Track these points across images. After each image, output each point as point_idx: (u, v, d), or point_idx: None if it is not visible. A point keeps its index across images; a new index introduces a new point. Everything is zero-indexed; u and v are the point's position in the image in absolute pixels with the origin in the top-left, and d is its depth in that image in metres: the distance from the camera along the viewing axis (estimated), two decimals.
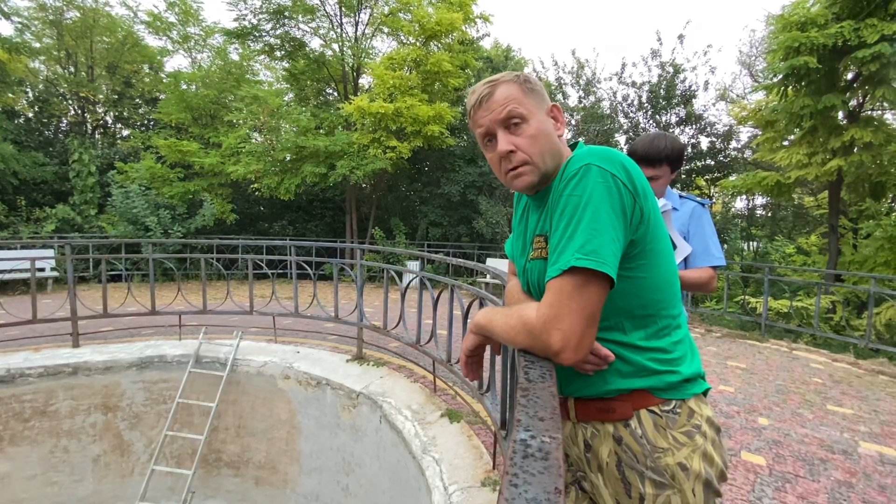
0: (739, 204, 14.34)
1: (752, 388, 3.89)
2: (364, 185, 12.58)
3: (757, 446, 2.81)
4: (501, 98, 0.91)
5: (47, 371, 4.04)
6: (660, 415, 0.86)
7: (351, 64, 12.06)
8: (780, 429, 3.07)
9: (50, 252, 8.84)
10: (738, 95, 13.35)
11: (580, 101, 11.73)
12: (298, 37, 12.29)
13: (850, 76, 6.43)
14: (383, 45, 13.88)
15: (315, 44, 12.69)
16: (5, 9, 10.94)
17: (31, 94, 14.12)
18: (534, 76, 0.97)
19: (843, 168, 6.24)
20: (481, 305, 2.56)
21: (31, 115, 13.96)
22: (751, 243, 12.51)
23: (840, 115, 6.63)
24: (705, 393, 0.92)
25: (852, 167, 6.21)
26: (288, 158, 11.17)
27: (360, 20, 12.13)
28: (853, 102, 6.60)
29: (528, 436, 0.52)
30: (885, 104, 6.90)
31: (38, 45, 13.04)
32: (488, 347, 1.07)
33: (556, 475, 0.45)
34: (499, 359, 2.34)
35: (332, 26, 12.15)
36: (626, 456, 0.87)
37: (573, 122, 11.59)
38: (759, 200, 13.50)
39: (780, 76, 6.60)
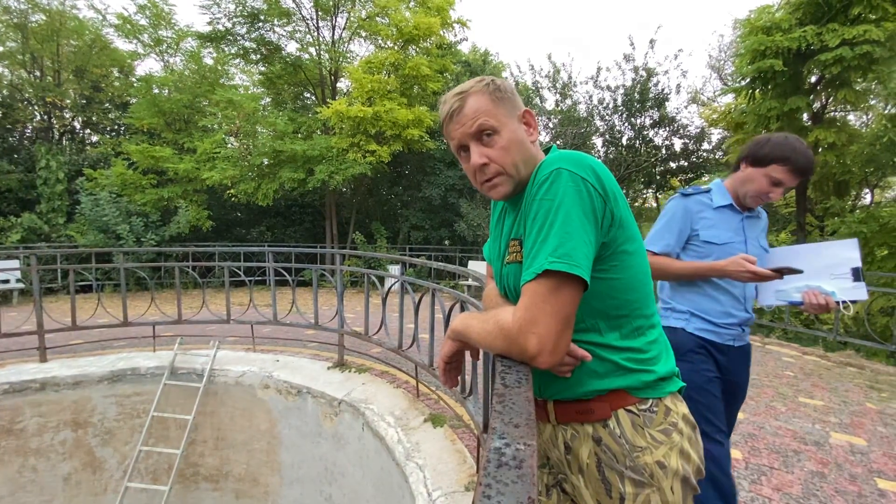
0: None
1: None
2: (344, 190, 12.48)
3: (733, 440, 2.87)
4: (471, 111, 0.91)
5: (13, 387, 3.87)
6: (637, 414, 0.87)
7: (328, 68, 11.98)
8: (754, 422, 3.15)
9: (15, 263, 8.49)
10: (708, 98, 13.74)
11: (557, 105, 11.90)
12: (274, 41, 12.14)
13: (813, 79, 6.68)
14: (361, 49, 13.82)
15: (291, 48, 12.55)
16: None
17: None
18: (505, 81, 0.96)
19: None
20: (462, 309, 2.56)
21: None
22: None
23: (805, 116, 6.88)
24: (680, 391, 0.94)
25: (817, 167, 6.45)
26: (265, 163, 11.01)
27: (336, 24, 12.06)
28: (817, 104, 6.86)
29: (503, 444, 0.52)
30: (847, 106, 7.20)
31: (0, 48, 12.56)
32: (468, 352, 1.07)
33: (530, 484, 0.44)
34: (481, 362, 2.34)
35: (309, 30, 12.04)
36: (605, 456, 0.88)
37: (550, 125, 11.75)
38: None
39: (748, 79, 6.82)
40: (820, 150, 6.57)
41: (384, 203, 14.74)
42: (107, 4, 17.61)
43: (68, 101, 14.26)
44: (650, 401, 0.88)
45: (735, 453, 2.70)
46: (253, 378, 4.15)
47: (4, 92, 13.50)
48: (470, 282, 9.04)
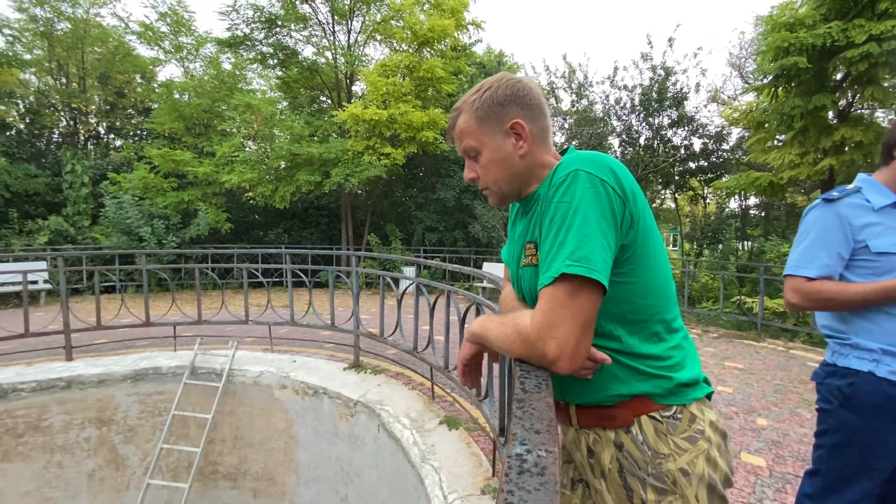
0: (733, 204, 14.43)
1: (750, 388, 3.89)
2: (359, 192, 12.58)
3: (756, 447, 2.80)
4: (459, 132, 0.98)
5: (40, 385, 3.99)
6: (660, 421, 0.86)
7: (344, 71, 12.09)
8: (779, 429, 3.07)
9: (42, 264, 8.76)
10: (728, 97, 13.47)
11: (573, 105, 11.81)
12: (291, 45, 12.30)
13: (839, 76, 6.50)
14: (376, 53, 13.96)
15: (308, 52, 12.73)
16: None
17: (21, 106, 14.03)
18: (496, 91, 0.93)
19: (835, 167, 6.30)
20: (478, 311, 2.55)
21: (22, 126, 13.88)
22: (745, 243, 12.58)
23: (830, 114, 6.69)
24: (709, 397, 0.92)
25: (844, 166, 6.27)
26: (282, 166, 11.15)
27: (352, 28, 12.16)
28: (843, 102, 6.67)
29: (524, 450, 0.51)
30: (875, 103, 6.98)
31: (28, 56, 12.99)
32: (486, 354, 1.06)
33: (553, 491, 0.43)
34: (496, 365, 2.33)
35: (325, 34, 12.18)
36: (627, 462, 0.87)
37: (566, 125, 11.66)
38: (753, 200, 13.59)
39: (770, 77, 6.67)
40: (847, 149, 6.38)
41: (399, 205, 14.80)
42: (129, 12, 18.12)
43: (93, 107, 14.68)
44: (674, 407, 0.86)
45: (759, 461, 2.63)
46: (270, 378, 4.20)
47: (32, 98, 13.97)
48: (484, 283, 9.02)
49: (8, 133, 12.76)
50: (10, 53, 11.27)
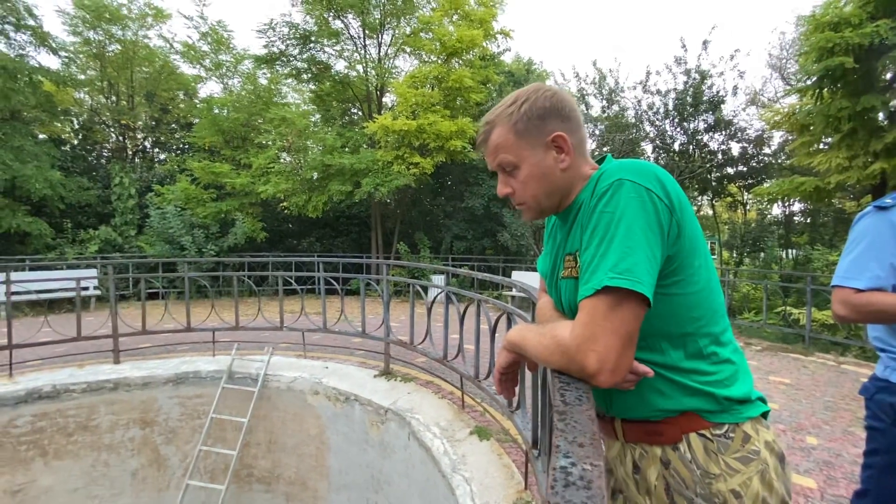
0: (776, 210, 13.80)
1: (797, 404, 3.69)
2: (389, 201, 12.76)
3: (806, 468, 2.65)
4: (493, 146, 0.93)
5: (90, 387, 4.20)
6: (711, 439, 0.82)
7: (374, 84, 12.36)
8: (830, 449, 2.89)
9: (93, 272, 9.27)
10: (769, 99, 12.96)
11: (603, 111, 11.63)
12: (324, 60, 12.70)
13: (889, 76, 6.17)
14: (405, 64, 14.17)
15: (340, 66, 13.08)
16: (54, 44, 11.76)
17: (76, 123, 15.01)
18: (535, 103, 0.90)
19: (888, 171, 5.95)
20: (508, 319, 2.53)
21: (76, 142, 14.83)
22: (789, 251, 12.01)
23: (881, 116, 6.35)
24: (765, 416, 0.87)
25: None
26: (315, 177, 11.46)
27: (382, 41, 12.45)
28: (894, 103, 6.32)
29: (569, 463, 0.51)
30: None
31: (82, 76, 13.90)
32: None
33: None
34: (529, 376, 2.30)
35: (356, 48, 12.51)
36: (673, 481, 0.84)
37: (597, 132, 11.50)
38: (797, 206, 12.97)
39: (814, 78, 6.39)
40: None
41: (427, 214, 14.91)
42: (174, 33, 19.13)
43: (140, 123, 15.55)
44: (726, 426, 0.83)
45: (809, 482, 2.48)
46: (304, 384, 4.28)
47: (85, 116, 14.93)
48: (514, 292, 8.95)
49: (63, 149, 13.64)
50: (66, 74, 12.10)
